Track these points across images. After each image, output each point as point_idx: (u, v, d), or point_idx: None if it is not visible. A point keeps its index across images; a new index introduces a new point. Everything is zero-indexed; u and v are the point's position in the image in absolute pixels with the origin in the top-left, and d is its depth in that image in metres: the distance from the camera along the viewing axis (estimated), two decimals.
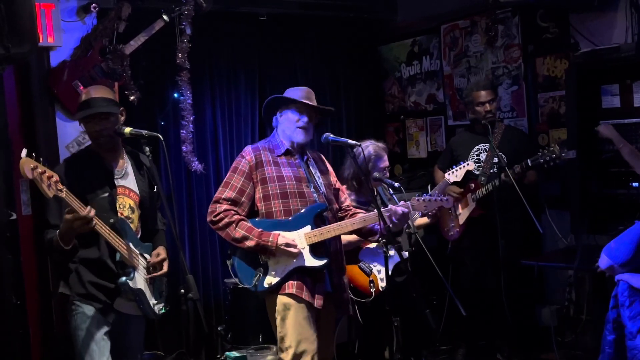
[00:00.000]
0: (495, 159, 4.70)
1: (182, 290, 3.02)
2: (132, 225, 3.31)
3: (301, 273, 3.37)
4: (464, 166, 4.52)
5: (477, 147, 4.87)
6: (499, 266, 4.50)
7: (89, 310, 3.23)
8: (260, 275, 3.37)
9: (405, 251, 4.26)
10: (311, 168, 3.58)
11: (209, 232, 5.44)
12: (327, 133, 3.48)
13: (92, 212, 2.99)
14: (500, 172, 4.57)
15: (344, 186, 4.38)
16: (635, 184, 4.34)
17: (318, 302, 3.39)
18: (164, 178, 4.54)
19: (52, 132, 4.57)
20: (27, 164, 2.79)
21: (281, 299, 3.36)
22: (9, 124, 4.24)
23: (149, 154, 3.18)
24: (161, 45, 4.98)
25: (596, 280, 4.58)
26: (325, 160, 3.78)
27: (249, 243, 3.34)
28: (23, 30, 3.35)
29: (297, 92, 3.55)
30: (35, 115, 4.53)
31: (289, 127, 3.50)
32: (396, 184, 4.08)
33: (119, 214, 3.26)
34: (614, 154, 4.40)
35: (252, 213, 3.48)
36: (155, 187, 3.45)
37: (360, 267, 4.25)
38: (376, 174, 4.23)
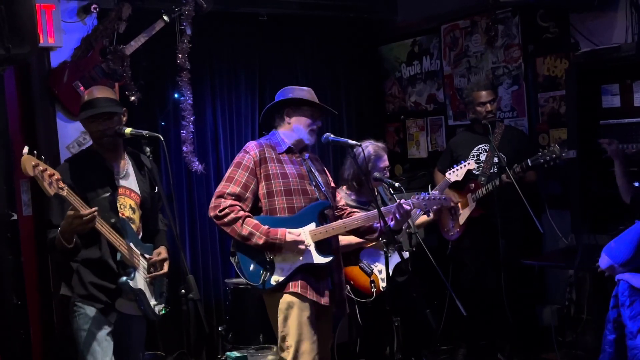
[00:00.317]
0: (496, 159, 4.70)
1: (183, 291, 3.02)
2: (133, 226, 3.31)
3: (306, 271, 3.37)
4: (464, 165, 4.52)
5: (477, 147, 4.87)
6: (499, 266, 4.50)
7: (90, 311, 3.23)
8: (267, 272, 3.35)
9: (406, 251, 4.26)
10: (311, 166, 3.59)
11: (209, 232, 5.45)
12: (328, 133, 3.48)
13: (90, 211, 2.98)
14: (500, 172, 4.57)
15: (345, 186, 4.39)
16: (636, 184, 4.34)
17: (325, 299, 3.40)
18: (164, 178, 4.54)
19: (53, 133, 4.57)
20: (29, 161, 2.80)
21: (285, 298, 3.35)
22: (9, 124, 4.25)
23: (150, 154, 3.18)
24: (161, 46, 4.98)
25: (597, 280, 4.57)
26: (320, 160, 3.79)
27: (257, 240, 3.30)
28: (23, 31, 3.35)
29: (304, 94, 3.53)
30: (36, 115, 4.53)
31: (301, 129, 3.50)
32: (396, 184, 4.08)
33: (119, 214, 3.27)
34: None
35: (254, 209, 3.46)
36: (157, 187, 3.45)
37: (361, 267, 4.26)
38: (376, 174, 4.24)
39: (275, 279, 3.35)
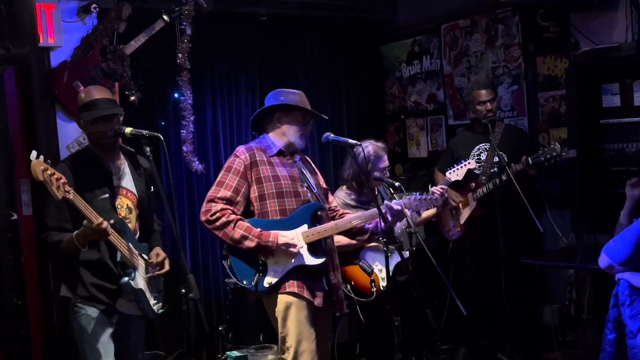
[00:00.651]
0: (496, 158, 4.70)
1: (183, 290, 3.02)
2: (129, 226, 3.31)
3: (300, 272, 3.37)
4: (465, 165, 4.52)
5: (477, 146, 4.87)
6: (499, 265, 4.50)
7: (92, 312, 3.23)
8: (259, 275, 3.36)
9: (406, 251, 4.26)
10: (302, 168, 3.58)
11: (209, 232, 5.44)
12: (328, 133, 3.48)
13: (106, 224, 3.03)
14: (500, 172, 4.57)
15: (345, 186, 4.39)
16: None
17: (318, 300, 3.40)
18: (164, 178, 4.54)
19: (53, 133, 4.57)
20: (39, 166, 2.83)
21: (282, 298, 3.36)
22: (9, 124, 4.24)
23: (150, 154, 3.18)
24: (161, 46, 4.98)
25: (597, 279, 4.58)
26: (311, 162, 3.79)
27: (249, 243, 3.32)
28: (23, 31, 3.35)
29: (296, 98, 3.53)
30: (36, 115, 4.53)
31: (292, 133, 3.51)
32: (396, 183, 4.08)
33: (117, 215, 3.27)
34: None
35: (246, 213, 3.46)
36: (152, 187, 3.46)
37: (361, 267, 4.26)
38: (376, 174, 4.24)
39: (268, 281, 3.35)
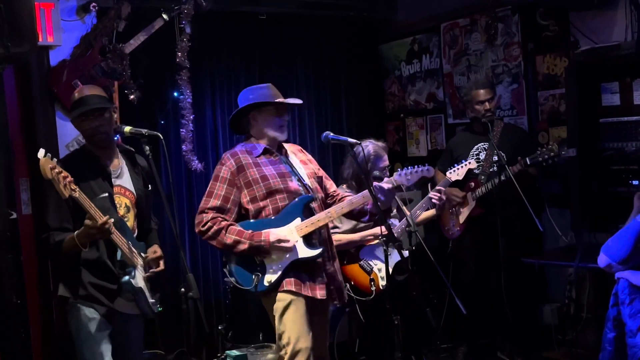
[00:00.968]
0: (495, 158, 4.69)
1: (183, 289, 3.02)
2: (127, 224, 3.31)
3: (298, 266, 3.38)
4: (465, 165, 4.51)
5: (476, 146, 4.87)
6: (499, 265, 4.50)
7: (90, 311, 3.22)
8: (259, 275, 3.37)
9: (406, 250, 4.26)
10: (291, 161, 3.58)
11: (206, 243, 5.44)
12: (327, 132, 3.48)
13: (110, 223, 3.02)
14: (500, 171, 4.57)
15: (345, 185, 4.39)
16: (635, 182, 4.34)
17: (321, 292, 3.41)
18: (164, 177, 4.53)
19: (52, 132, 4.57)
20: (47, 164, 2.84)
21: (280, 296, 3.37)
22: (9, 123, 4.23)
23: (149, 152, 3.18)
24: (161, 45, 4.98)
25: (596, 278, 4.58)
26: (304, 151, 3.78)
27: (242, 246, 3.34)
28: (23, 30, 3.34)
29: (264, 92, 3.53)
30: (36, 114, 4.52)
31: (271, 128, 3.51)
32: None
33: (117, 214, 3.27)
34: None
35: (240, 217, 3.47)
36: (150, 185, 3.46)
37: (361, 266, 4.26)
38: (376, 173, 4.23)
39: (268, 279, 3.37)
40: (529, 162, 4.45)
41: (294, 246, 3.37)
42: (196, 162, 5.04)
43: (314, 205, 3.50)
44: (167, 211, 3.12)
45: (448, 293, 4.79)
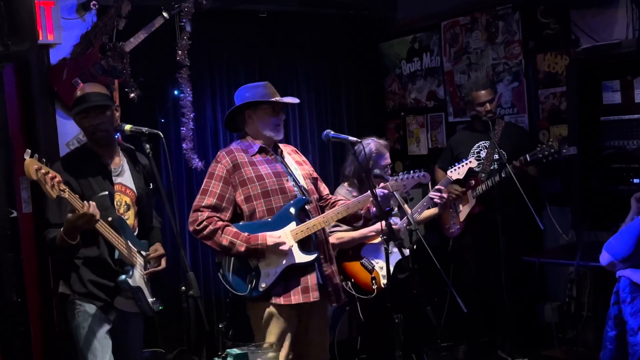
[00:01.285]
0: (496, 156, 4.69)
1: (183, 288, 3.01)
2: (128, 223, 3.30)
3: (292, 271, 3.34)
4: (466, 164, 4.51)
5: (477, 144, 4.87)
6: (500, 263, 4.49)
7: (90, 308, 3.23)
8: (254, 279, 3.32)
9: (406, 248, 4.26)
10: (287, 161, 3.55)
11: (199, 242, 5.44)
12: (328, 130, 3.46)
13: (93, 207, 2.98)
14: (500, 169, 4.57)
15: (346, 183, 4.38)
16: (636, 180, 4.34)
17: (315, 293, 3.38)
18: (164, 175, 4.53)
19: (53, 130, 4.56)
20: (32, 165, 2.80)
21: (268, 309, 3.34)
22: (9, 121, 4.23)
23: (149, 151, 3.17)
24: (161, 43, 4.97)
25: (597, 277, 4.58)
26: (299, 152, 3.75)
27: (238, 248, 3.27)
28: (23, 28, 3.34)
29: (260, 91, 3.47)
30: (36, 113, 4.52)
31: (266, 127, 3.46)
32: None
33: (116, 212, 3.26)
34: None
35: (234, 217, 3.42)
36: (151, 184, 3.45)
37: (362, 264, 4.26)
38: (377, 171, 4.23)
39: (263, 284, 3.31)
40: (529, 159, 4.45)
41: (290, 250, 3.32)
42: (196, 160, 5.04)
43: (309, 207, 3.47)
44: (168, 209, 3.11)
45: (448, 291, 4.79)
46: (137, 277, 3.24)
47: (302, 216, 3.43)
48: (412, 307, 4.02)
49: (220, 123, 5.56)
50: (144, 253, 3.35)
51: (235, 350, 2.81)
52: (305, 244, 3.38)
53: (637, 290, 3.19)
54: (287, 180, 3.44)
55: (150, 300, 3.32)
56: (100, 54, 4.59)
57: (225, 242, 3.28)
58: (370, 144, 4.29)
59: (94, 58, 4.58)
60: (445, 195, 4.32)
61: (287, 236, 3.33)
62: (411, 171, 3.70)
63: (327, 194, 3.73)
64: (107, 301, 3.24)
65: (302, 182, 3.50)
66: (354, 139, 3.45)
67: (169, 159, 3.72)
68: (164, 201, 3.17)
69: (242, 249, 3.27)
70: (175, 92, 5.08)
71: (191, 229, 3.36)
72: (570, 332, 4.93)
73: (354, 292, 4.21)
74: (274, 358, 2.66)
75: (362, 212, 3.55)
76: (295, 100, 3.62)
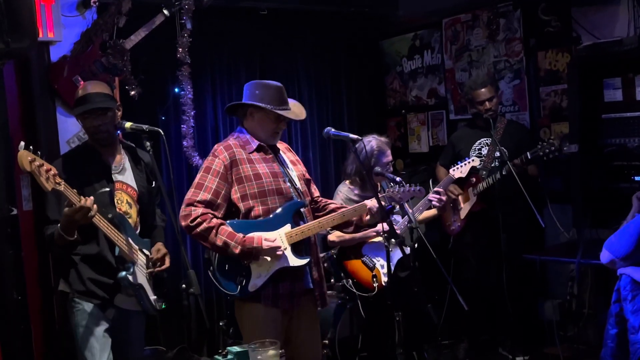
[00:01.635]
0: (497, 153, 4.69)
1: (184, 286, 3.01)
2: (130, 221, 3.30)
3: (281, 276, 3.29)
4: (468, 162, 4.51)
5: (478, 141, 4.87)
6: (500, 260, 4.49)
7: (88, 306, 3.23)
8: (244, 280, 3.26)
9: (407, 247, 4.26)
10: (283, 161, 3.50)
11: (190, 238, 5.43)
12: (329, 127, 3.44)
13: (90, 201, 2.96)
14: (501, 166, 4.56)
15: (348, 180, 4.38)
16: (637, 178, 4.33)
17: (302, 299, 3.36)
18: (164, 173, 4.53)
19: (53, 127, 4.56)
20: (25, 156, 2.79)
21: (255, 310, 3.29)
22: (9, 119, 4.22)
23: (150, 148, 3.16)
24: (162, 40, 4.96)
25: (598, 275, 4.57)
26: (292, 150, 3.69)
27: (233, 250, 3.18)
28: (23, 25, 3.35)
29: (274, 95, 3.37)
30: (36, 110, 4.51)
31: (264, 130, 3.39)
32: (397, 179, 4.06)
33: (117, 210, 3.26)
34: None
35: (228, 214, 3.33)
36: (154, 182, 3.44)
37: (363, 262, 4.25)
38: (378, 169, 4.22)
39: (253, 285, 3.25)
40: (529, 156, 4.44)
41: (284, 253, 3.27)
42: (197, 158, 5.03)
43: (303, 210, 3.42)
44: (168, 207, 3.10)
45: (449, 289, 4.78)
46: (138, 275, 3.23)
47: (297, 219, 3.37)
48: (413, 305, 4.01)
49: (220, 120, 5.56)
50: (145, 251, 3.34)
51: (236, 348, 2.80)
52: (298, 248, 3.34)
53: (638, 289, 3.18)
54: (284, 181, 3.38)
55: (152, 298, 3.31)
56: (101, 52, 4.59)
57: (219, 243, 3.18)
58: (372, 141, 4.28)
59: (94, 56, 4.58)
60: (444, 198, 4.31)
61: (281, 238, 3.28)
62: (407, 185, 3.71)
63: (318, 196, 3.67)
64: (106, 299, 3.24)
65: (297, 184, 3.45)
66: (355, 136, 3.43)
67: (170, 157, 3.72)
68: (164, 199, 3.17)
69: (237, 250, 3.17)
70: (176, 90, 5.08)
71: (183, 224, 3.21)
72: (571, 330, 4.92)
73: (355, 290, 4.21)
74: (275, 356, 2.64)
75: (354, 219, 3.53)
76: (301, 117, 3.51)
